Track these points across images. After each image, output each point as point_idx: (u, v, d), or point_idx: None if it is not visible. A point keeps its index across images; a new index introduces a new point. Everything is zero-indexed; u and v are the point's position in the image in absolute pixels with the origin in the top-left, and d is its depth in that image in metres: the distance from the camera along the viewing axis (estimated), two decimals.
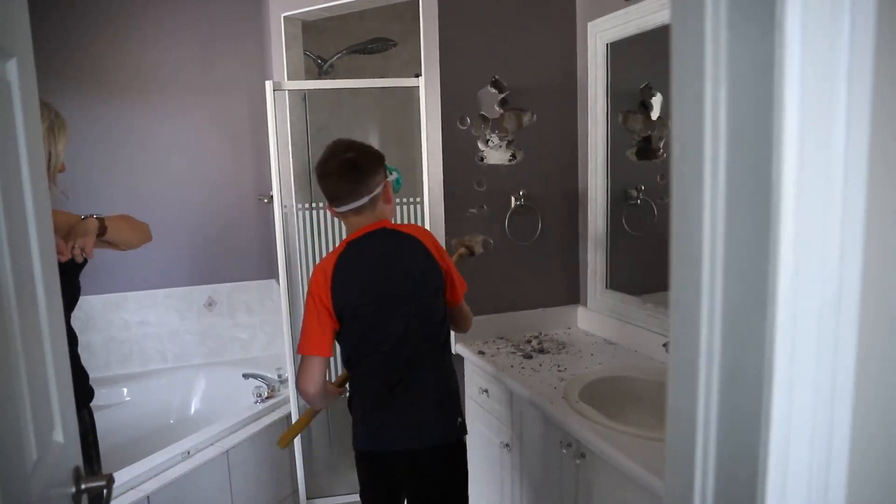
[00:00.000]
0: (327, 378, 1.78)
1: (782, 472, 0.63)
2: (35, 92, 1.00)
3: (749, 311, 0.65)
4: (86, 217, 1.62)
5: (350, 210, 1.74)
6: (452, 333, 2.09)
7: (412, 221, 2.60)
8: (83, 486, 1.07)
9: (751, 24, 0.61)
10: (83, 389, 1.73)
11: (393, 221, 1.84)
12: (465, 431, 1.87)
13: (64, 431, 1.04)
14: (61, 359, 1.05)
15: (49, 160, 1.47)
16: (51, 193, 1.42)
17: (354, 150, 1.73)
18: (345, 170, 1.70)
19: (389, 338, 1.74)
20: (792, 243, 0.61)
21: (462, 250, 2.15)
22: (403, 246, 1.77)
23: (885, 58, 0.60)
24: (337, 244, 2.58)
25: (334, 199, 1.73)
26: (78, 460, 1.10)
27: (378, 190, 1.74)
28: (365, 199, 1.72)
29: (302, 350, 1.72)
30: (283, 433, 1.95)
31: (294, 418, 2.63)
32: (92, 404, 3.06)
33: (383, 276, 1.74)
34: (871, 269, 0.63)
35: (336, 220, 2.57)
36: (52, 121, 1.48)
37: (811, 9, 0.57)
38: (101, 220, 1.64)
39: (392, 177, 1.84)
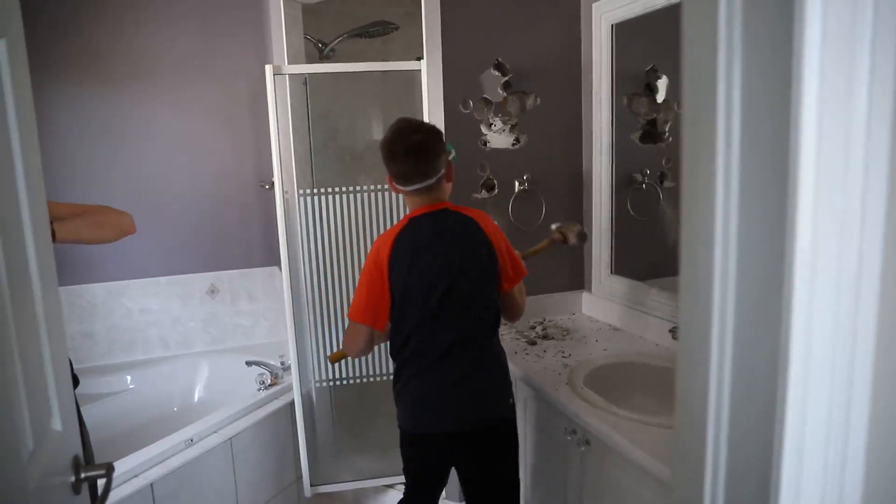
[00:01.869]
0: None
1: (797, 464, 0.61)
2: (26, 74, 0.97)
3: (764, 294, 0.62)
4: None
5: (415, 189, 1.77)
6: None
7: None
8: (83, 475, 1.06)
9: None
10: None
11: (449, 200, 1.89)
12: (513, 412, 1.87)
13: (62, 419, 1.03)
14: (59, 346, 1.03)
15: None
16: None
17: (423, 132, 1.75)
18: (415, 152, 1.73)
19: (439, 316, 1.75)
20: (809, 223, 0.58)
21: (556, 236, 2.16)
22: (462, 227, 1.79)
23: None
24: (340, 230, 2.57)
25: (402, 179, 1.77)
26: (77, 449, 1.08)
27: (443, 171, 1.78)
28: (432, 180, 1.76)
29: (350, 315, 1.81)
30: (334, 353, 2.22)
31: (298, 406, 2.62)
32: (95, 392, 3.06)
33: (440, 253, 1.76)
34: (892, 249, 0.61)
35: (339, 206, 2.54)
36: None
37: None
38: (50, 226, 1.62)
39: (451, 154, 1.86)
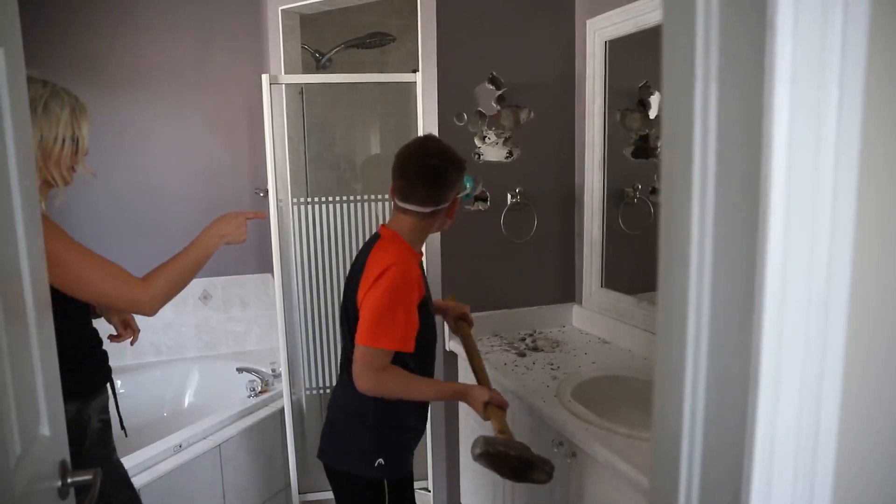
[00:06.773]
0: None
1: (767, 475, 0.63)
2: (24, 83, 0.99)
3: (736, 310, 0.64)
4: None
5: (406, 209, 1.64)
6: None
7: None
8: (69, 480, 1.07)
9: (742, 21, 0.60)
10: (103, 369, 1.73)
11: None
12: (354, 466, 1.68)
13: (50, 425, 1.04)
14: (49, 351, 1.04)
15: (76, 143, 1.47)
16: (80, 175, 1.52)
17: (443, 158, 1.62)
18: (426, 176, 1.60)
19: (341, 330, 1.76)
20: (780, 243, 0.60)
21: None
22: (366, 248, 1.71)
23: (877, 55, 0.59)
24: (333, 239, 2.58)
25: (403, 197, 1.63)
26: (64, 454, 1.09)
27: (445, 205, 1.65)
28: (429, 209, 1.63)
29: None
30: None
31: (287, 414, 2.62)
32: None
33: (352, 268, 1.74)
34: (860, 271, 0.63)
35: (333, 214, 2.56)
36: (73, 105, 1.46)
37: (803, 7, 0.56)
38: None
39: (464, 191, 1.72)
